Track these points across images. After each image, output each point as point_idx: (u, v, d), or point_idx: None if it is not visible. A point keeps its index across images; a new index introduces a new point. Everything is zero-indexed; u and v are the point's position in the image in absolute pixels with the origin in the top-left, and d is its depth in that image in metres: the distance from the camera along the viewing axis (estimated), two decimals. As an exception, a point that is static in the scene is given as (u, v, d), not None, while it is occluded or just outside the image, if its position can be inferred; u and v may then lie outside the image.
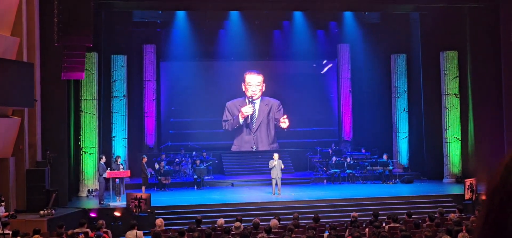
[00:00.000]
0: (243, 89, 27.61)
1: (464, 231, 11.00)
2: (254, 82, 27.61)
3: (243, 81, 27.58)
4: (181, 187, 22.66)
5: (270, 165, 20.06)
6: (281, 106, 27.84)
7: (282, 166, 20.11)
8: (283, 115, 27.79)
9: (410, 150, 25.32)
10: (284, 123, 27.69)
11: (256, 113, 27.70)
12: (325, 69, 28.31)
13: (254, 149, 27.37)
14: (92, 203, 19.41)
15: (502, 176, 1.26)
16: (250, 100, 27.55)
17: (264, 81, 27.71)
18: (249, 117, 27.58)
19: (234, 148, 27.43)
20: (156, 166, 22.55)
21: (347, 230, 12.84)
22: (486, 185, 1.30)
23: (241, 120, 27.51)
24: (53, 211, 16.82)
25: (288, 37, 27.03)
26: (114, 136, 23.60)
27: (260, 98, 27.75)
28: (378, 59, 26.42)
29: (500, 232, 1.22)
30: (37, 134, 18.47)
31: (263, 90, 27.74)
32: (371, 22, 26.70)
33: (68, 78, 18.70)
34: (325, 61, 28.23)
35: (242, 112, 27.47)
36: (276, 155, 20.26)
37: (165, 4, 23.88)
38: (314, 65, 28.22)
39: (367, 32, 26.71)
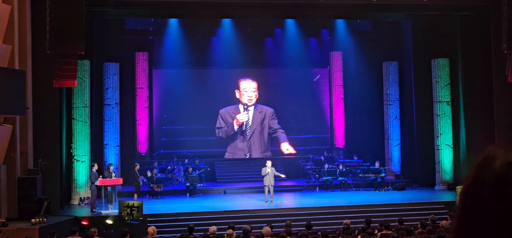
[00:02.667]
0: (237, 96, 27.61)
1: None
2: (249, 89, 27.64)
3: (238, 88, 27.59)
4: (173, 195, 22.62)
5: (262, 173, 20.06)
6: (274, 114, 27.87)
7: (276, 173, 20.13)
8: (278, 124, 27.82)
9: (402, 157, 25.39)
10: (288, 150, 27.76)
11: (250, 120, 27.71)
12: (318, 77, 28.36)
13: (247, 157, 27.38)
14: (84, 211, 19.34)
15: (474, 176, 1.27)
16: (245, 107, 27.57)
17: (258, 88, 27.75)
18: (244, 124, 27.58)
19: (227, 155, 27.42)
20: (149, 173, 22.50)
21: (340, 237, 12.86)
22: (462, 185, 1.31)
23: (236, 127, 27.51)
24: (45, 219, 16.73)
25: (280, 45, 27.09)
26: (106, 144, 23.56)
27: (253, 106, 27.76)
28: (370, 67, 26.51)
29: (473, 230, 1.23)
30: (29, 142, 18.40)
31: (257, 97, 27.77)
32: (363, 30, 26.81)
33: (60, 86, 18.66)
34: (316, 70, 28.30)
35: (237, 119, 27.47)
36: (268, 163, 20.27)
37: (158, 12, 23.88)
38: (309, 72, 28.25)
39: (359, 39, 26.85)
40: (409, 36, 24.96)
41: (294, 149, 27.59)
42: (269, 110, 27.88)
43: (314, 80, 28.42)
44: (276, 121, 27.92)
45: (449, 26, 23.04)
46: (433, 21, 23.26)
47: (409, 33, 24.87)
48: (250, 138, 27.64)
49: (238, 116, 27.53)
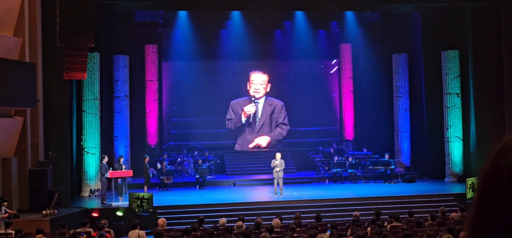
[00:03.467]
0: (248, 88, 27.67)
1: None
2: (257, 81, 27.63)
3: (248, 80, 27.63)
4: (183, 187, 22.70)
5: (272, 165, 20.09)
6: (284, 107, 27.85)
7: (283, 166, 20.14)
8: (285, 116, 27.82)
9: (411, 149, 25.33)
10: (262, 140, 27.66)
11: (260, 112, 27.71)
12: (334, 69, 28.31)
13: (256, 149, 27.40)
14: (94, 203, 19.45)
15: (493, 162, 1.28)
16: (253, 98, 27.57)
17: (269, 81, 27.71)
18: (252, 116, 27.58)
19: (237, 147, 27.46)
20: (158, 165, 22.58)
21: (349, 229, 12.87)
22: (479, 174, 1.32)
23: (243, 119, 27.53)
24: (56, 211, 16.86)
25: (289, 37, 27.05)
26: (116, 136, 23.64)
27: (264, 98, 27.75)
28: (380, 59, 26.43)
29: (491, 218, 1.24)
30: (40, 134, 18.52)
31: (268, 90, 27.73)
32: (372, 22, 26.72)
33: (70, 78, 18.73)
34: (334, 61, 28.21)
35: (244, 111, 27.50)
36: (278, 155, 20.27)
37: (167, 4, 23.90)
38: (322, 66, 28.23)
39: (368, 31, 26.75)
40: (418, 28, 24.84)
41: (270, 143, 27.55)
42: (279, 103, 27.87)
43: (331, 72, 28.36)
44: (284, 114, 27.86)
45: (460, 17, 22.93)
46: (443, 12, 23.14)
47: (419, 25, 24.75)
48: (259, 130, 27.66)
49: (245, 108, 27.55)
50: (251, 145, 27.55)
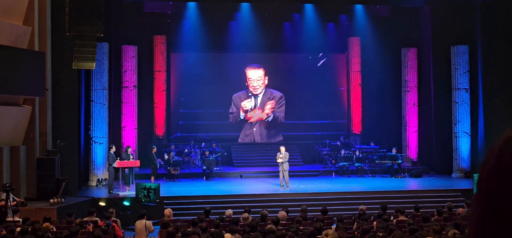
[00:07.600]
0: (247, 84, 27.56)
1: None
2: (254, 77, 27.48)
3: (245, 76, 27.52)
4: (190, 178, 22.74)
5: (277, 159, 20.18)
6: (283, 98, 27.72)
7: (288, 158, 20.17)
8: (281, 106, 27.67)
9: (419, 144, 25.28)
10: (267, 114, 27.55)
11: (258, 106, 27.59)
12: (321, 62, 28.12)
13: (253, 142, 27.34)
14: (101, 192, 19.54)
15: (497, 157, 1.24)
16: (250, 94, 27.48)
17: (265, 75, 27.57)
18: (249, 110, 27.47)
19: (240, 140, 27.46)
20: (166, 156, 22.64)
21: (355, 223, 12.87)
22: (481, 169, 1.28)
23: (241, 114, 27.46)
24: (63, 199, 16.95)
25: (298, 29, 26.98)
26: (124, 126, 23.70)
27: (263, 91, 27.63)
28: (389, 53, 26.34)
29: (499, 215, 1.21)
30: (48, 123, 18.60)
31: (266, 83, 27.61)
32: (381, 16, 26.62)
33: (79, 68, 18.78)
34: (321, 54, 28.00)
35: (242, 107, 27.43)
36: (282, 148, 20.31)
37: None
38: (310, 57, 27.93)
39: (377, 25, 26.62)
40: (428, 23, 24.73)
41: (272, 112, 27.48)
42: (278, 95, 27.75)
43: (318, 65, 28.11)
44: (283, 106, 27.74)
45: (469, 12, 22.82)
46: (452, 7, 23.03)
47: (428, 19, 24.64)
48: (255, 124, 27.58)
49: (242, 103, 27.46)
50: (252, 119, 27.42)
